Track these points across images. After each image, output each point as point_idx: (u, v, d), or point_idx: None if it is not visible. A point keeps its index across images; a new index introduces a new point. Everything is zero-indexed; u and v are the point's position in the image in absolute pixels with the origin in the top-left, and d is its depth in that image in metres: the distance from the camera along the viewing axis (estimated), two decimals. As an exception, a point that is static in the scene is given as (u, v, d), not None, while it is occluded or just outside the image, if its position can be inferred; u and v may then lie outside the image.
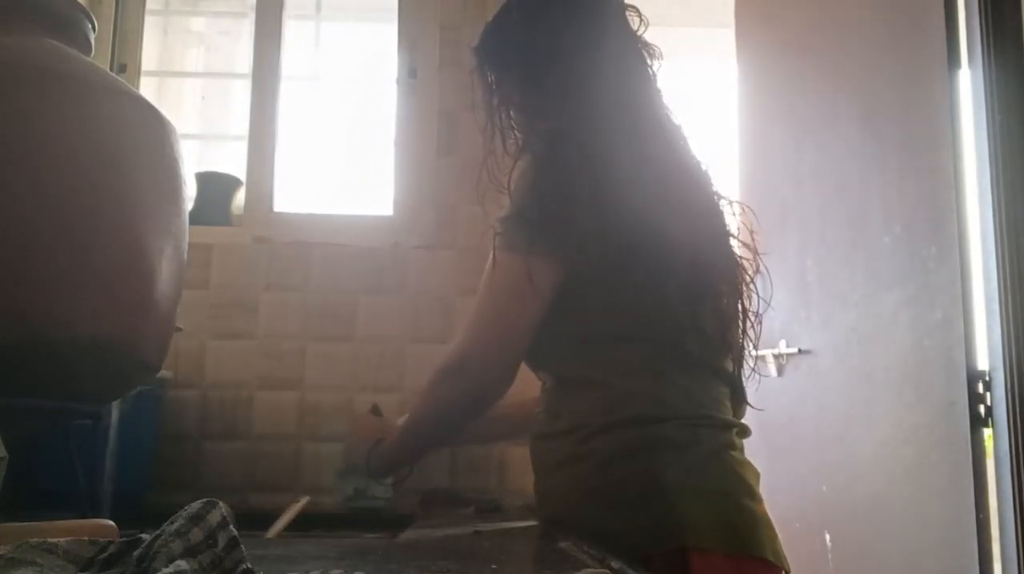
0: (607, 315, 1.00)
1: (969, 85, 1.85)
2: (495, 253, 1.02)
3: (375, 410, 1.36)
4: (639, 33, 1.12)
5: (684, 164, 1.11)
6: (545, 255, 0.98)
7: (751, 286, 1.10)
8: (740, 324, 1.08)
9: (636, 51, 1.12)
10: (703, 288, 1.03)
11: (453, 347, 1.06)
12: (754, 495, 0.99)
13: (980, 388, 1.76)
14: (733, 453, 1.01)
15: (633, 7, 1.13)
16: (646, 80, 1.11)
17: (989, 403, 1.74)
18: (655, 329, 1.01)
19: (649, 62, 1.12)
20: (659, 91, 1.12)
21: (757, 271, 1.12)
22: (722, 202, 1.12)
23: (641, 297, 1.00)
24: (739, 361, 1.08)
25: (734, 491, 0.97)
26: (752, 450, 1.07)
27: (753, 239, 1.13)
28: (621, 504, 0.95)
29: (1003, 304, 1.73)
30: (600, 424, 0.98)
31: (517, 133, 1.12)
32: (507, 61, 1.12)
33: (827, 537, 2.05)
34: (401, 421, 1.22)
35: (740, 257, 1.11)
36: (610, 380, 1.00)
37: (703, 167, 1.12)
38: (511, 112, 1.12)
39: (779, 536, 0.99)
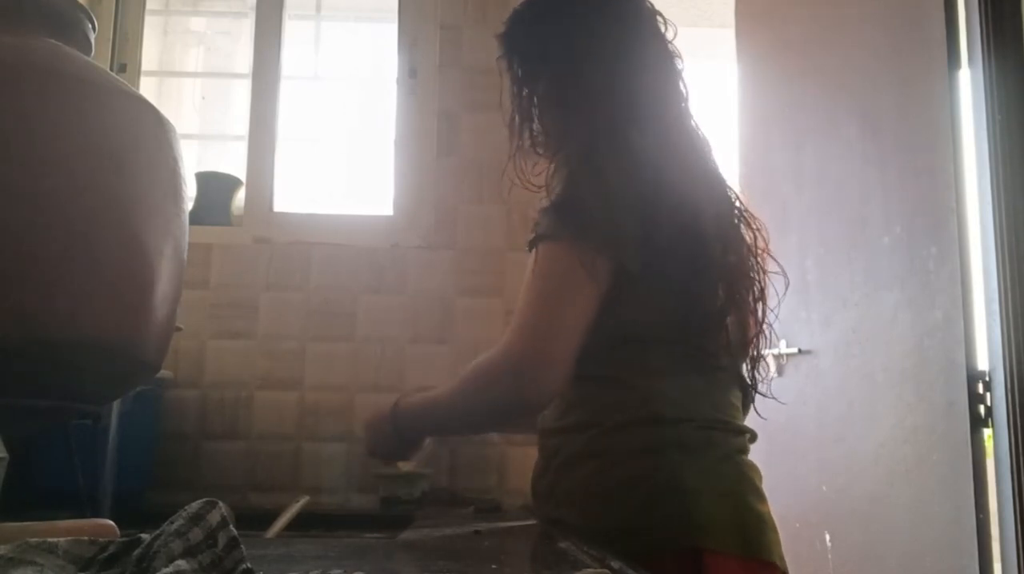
0: (643, 315, 0.98)
1: (969, 85, 1.85)
2: (539, 246, 0.95)
3: None
4: (670, 39, 1.11)
5: (714, 173, 1.10)
6: (595, 247, 0.93)
7: (766, 295, 1.10)
8: (756, 331, 1.08)
9: (670, 58, 1.10)
10: (731, 294, 1.02)
11: (503, 344, 0.96)
12: (762, 497, 1.00)
13: (980, 388, 1.75)
14: (743, 457, 1.02)
15: (659, 12, 1.12)
16: (680, 90, 1.11)
17: (989, 403, 1.74)
18: (687, 331, 0.99)
19: (681, 69, 1.11)
20: (688, 100, 1.11)
21: (769, 278, 1.12)
22: (742, 214, 1.12)
23: (677, 299, 0.98)
24: (755, 367, 1.08)
25: (745, 494, 0.97)
26: (753, 450, 1.07)
27: (767, 249, 1.12)
28: (633, 502, 0.94)
29: (1003, 304, 1.73)
30: (617, 422, 0.97)
31: (541, 125, 1.09)
32: (542, 55, 1.09)
33: (827, 537, 2.04)
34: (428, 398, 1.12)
35: (759, 267, 1.10)
36: (632, 380, 0.98)
37: (726, 178, 1.12)
38: (537, 105, 1.09)
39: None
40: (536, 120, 1.10)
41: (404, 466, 1.31)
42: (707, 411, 1.00)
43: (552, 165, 1.04)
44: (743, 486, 0.98)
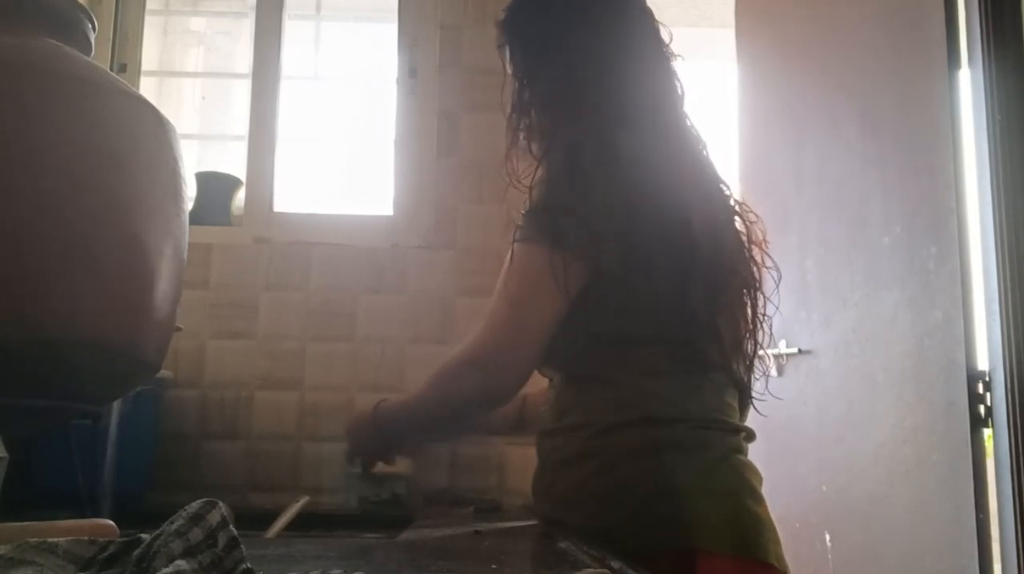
0: (627, 316, 0.99)
1: (969, 85, 1.85)
2: (515, 246, 0.99)
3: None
4: (668, 43, 1.12)
5: (707, 172, 1.10)
6: (570, 252, 0.95)
7: (763, 293, 1.10)
8: (752, 328, 1.08)
9: (667, 60, 1.11)
10: (721, 293, 1.02)
11: (470, 340, 1.02)
12: (758, 498, 0.99)
13: (980, 388, 1.75)
14: (739, 457, 1.02)
15: (656, 20, 1.13)
16: (676, 89, 1.11)
17: (989, 403, 1.74)
18: (673, 331, 0.99)
19: (676, 71, 1.12)
20: (684, 100, 1.11)
21: (765, 274, 1.11)
22: (736, 209, 1.11)
23: (662, 300, 0.99)
24: (750, 365, 1.08)
25: (741, 494, 0.97)
26: (752, 450, 1.07)
27: (765, 248, 1.12)
28: (630, 503, 0.94)
29: (1003, 304, 1.73)
30: (612, 423, 0.97)
31: (538, 118, 1.09)
32: (540, 47, 1.09)
33: (827, 537, 2.04)
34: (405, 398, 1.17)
35: (754, 264, 1.10)
36: (625, 380, 0.99)
37: (721, 175, 1.12)
38: (533, 98, 1.09)
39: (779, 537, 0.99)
40: (531, 117, 1.09)
41: (399, 466, 1.31)
42: (702, 410, 0.99)
43: (537, 166, 1.04)
44: (739, 486, 0.98)
